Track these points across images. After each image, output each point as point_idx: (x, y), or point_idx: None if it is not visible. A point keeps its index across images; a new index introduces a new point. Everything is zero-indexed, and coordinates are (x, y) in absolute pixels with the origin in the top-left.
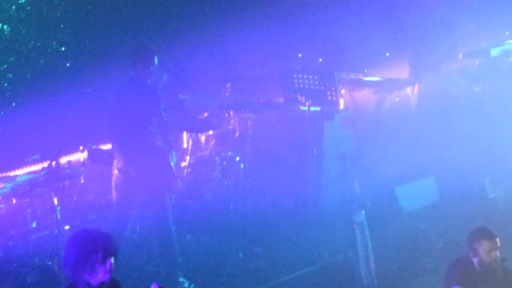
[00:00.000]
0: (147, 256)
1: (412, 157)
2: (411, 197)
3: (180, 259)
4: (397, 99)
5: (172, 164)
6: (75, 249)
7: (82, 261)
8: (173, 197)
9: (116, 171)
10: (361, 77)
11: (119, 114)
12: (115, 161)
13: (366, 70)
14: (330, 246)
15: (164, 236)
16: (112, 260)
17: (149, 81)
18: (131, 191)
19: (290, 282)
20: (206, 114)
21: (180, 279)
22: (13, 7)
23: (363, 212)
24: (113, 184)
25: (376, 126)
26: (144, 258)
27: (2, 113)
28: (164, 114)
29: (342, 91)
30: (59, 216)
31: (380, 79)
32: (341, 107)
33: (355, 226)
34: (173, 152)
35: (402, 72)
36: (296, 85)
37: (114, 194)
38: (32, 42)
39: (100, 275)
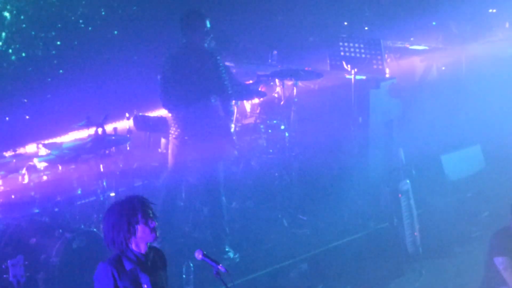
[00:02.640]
0: (193, 223)
1: (459, 126)
2: (457, 166)
3: (227, 229)
4: (443, 68)
5: (232, 130)
6: (113, 218)
7: (122, 226)
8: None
9: (173, 138)
10: (408, 45)
11: (177, 80)
12: (173, 128)
13: (412, 38)
14: (375, 214)
15: (214, 205)
16: (155, 220)
17: (205, 45)
18: (186, 158)
19: (334, 250)
20: (251, 82)
21: (226, 248)
22: None
23: (408, 181)
24: (170, 150)
25: (422, 94)
26: (190, 225)
27: (49, 79)
28: (225, 78)
29: (388, 60)
30: (104, 183)
31: (427, 47)
32: (387, 75)
33: (400, 195)
34: (233, 118)
35: (448, 41)
36: (342, 53)
37: (170, 160)
38: (80, 10)
39: (146, 236)
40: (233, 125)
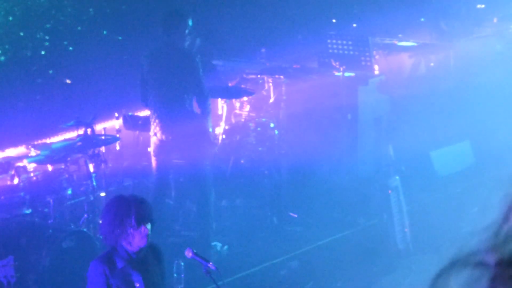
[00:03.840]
0: (183, 222)
1: (447, 122)
2: (446, 162)
3: (214, 224)
4: (432, 64)
5: (210, 130)
6: (109, 214)
7: (115, 225)
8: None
9: (153, 137)
10: (396, 42)
11: (155, 79)
12: (152, 126)
13: (400, 35)
14: (365, 211)
15: (202, 203)
16: (148, 226)
17: (185, 45)
18: (168, 157)
19: (324, 247)
20: (235, 82)
21: (213, 243)
22: None
23: (397, 177)
24: (151, 150)
25: (411, 90)
26: (179, 224)
27: (38, 80)
28: (202, 79)
29: (377, 56)
30: (94, 183)
31: (415, 44)
32: (376, 72)
33: (390, 191)
34: (209, 118)
35: (437, 37)
36: (330, 51)
37: (153, 160)
38: (69, 9)
39: (136, 240)
40: (222, 123)
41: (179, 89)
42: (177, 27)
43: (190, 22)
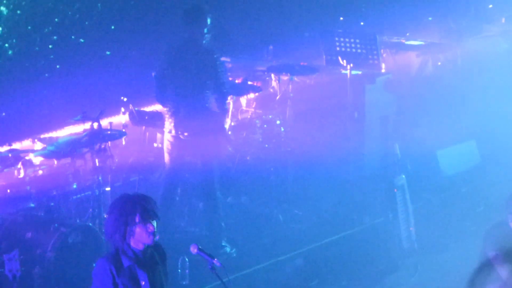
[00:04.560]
0: (188, 218)
1: (454, 121)
2: (452, 161)
3: (223, 223)
4: (439, 63)
5: (226, 127)
6: (114, 213)
7: (121, 223)
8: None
9: (168, 134)
10: (403, 40)
11: (174, 75)
12: (167, 123)
13: (408, 33)
14: (371, 209)
15: (210, 200)
16: (154, 223)
17: (204, 42)
18: (182, 154)
19: (330, 245)
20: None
21: (223, 243)
22: None
23: (403, 176)
24: (165, 147)
25: (418, 89)
26: (185, 220)
27: (46, 75)
28: (222, 76)
29: (384, 55)
30: (100, 178)
31: (423, 43)
32: (383, 70)
33: (395, 190)
34: (227, 116)
35: (444, 35)
36: (338, 48)
37: (166, 156)
38: (77, 4)
39: (143, 238)
40: (228, 121)
41: (199, 86)
42: (199, 23)
43: (209, 20)
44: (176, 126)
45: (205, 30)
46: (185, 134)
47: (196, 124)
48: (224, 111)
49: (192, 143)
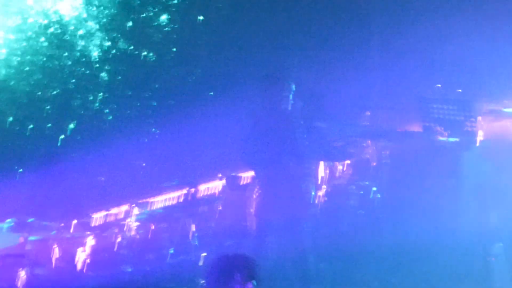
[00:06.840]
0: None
1: None
2: None
3: None
4: None
5: (310, 191)
6: (213, 275)
7: (220, 285)
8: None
9: (256, 197)
10: (501, 108)
11: (255, 140)
12: (256, 187)
13: (505, 101)
14: (467, 280)
15: (301, 264)
16: (253, 283)
17: (282, 107)
18: (268, 218)
19: None
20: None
21: None
22: (159, 35)
23: (501, 244)
24: (253, 210)
25: None
26: (278, 285)
27: (146, 140)
28: (301, 142)
29: (481, 122)
30: (196, 242)
31: None
32: (480, 137)
33: (493, 258)
34: (309, 179)
35: None
36: (435, 115)
37: (254, 220)
38: (175, 70)
39: None
40: (324, 186)
41: (278, 151)
42: (275, 89)
43: (288, 86)
44: (260, 190)
45: (284, 95)
46: (270, 198)
47: (278, 188)
48: (305, 175)
49: (277, 207)
